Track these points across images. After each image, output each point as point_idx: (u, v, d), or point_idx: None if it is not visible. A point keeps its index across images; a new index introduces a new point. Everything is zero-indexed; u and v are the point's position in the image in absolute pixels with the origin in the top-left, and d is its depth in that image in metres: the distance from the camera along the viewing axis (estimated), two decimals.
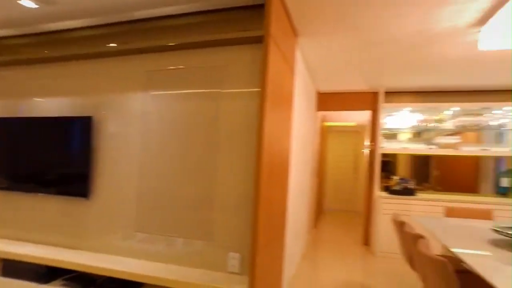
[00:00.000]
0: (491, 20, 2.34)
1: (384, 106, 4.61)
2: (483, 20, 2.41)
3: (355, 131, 8.12)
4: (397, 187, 4.50)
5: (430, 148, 4.49)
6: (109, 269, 2.15)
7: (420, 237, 2.19)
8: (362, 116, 6.00)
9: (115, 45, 2.44)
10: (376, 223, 4.48)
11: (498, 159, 5.04)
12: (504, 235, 2.26)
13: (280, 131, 2.32)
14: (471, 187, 5.37)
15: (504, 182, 4.48)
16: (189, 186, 2.17)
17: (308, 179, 4.53)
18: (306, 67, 3.82)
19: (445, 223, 2.99)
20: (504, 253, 2.02)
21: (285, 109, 2.52)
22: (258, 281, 1.84)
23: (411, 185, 4.49)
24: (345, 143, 8.24)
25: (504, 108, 4.39)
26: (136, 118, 2.40)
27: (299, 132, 3.55)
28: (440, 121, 4.56)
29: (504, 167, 4.86)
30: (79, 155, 2.56)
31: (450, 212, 3.40)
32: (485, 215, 3.36)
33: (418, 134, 5.22)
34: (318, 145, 5.94)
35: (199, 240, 2.10)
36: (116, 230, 2.37)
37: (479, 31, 2.60)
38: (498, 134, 4.90)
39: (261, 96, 1.89)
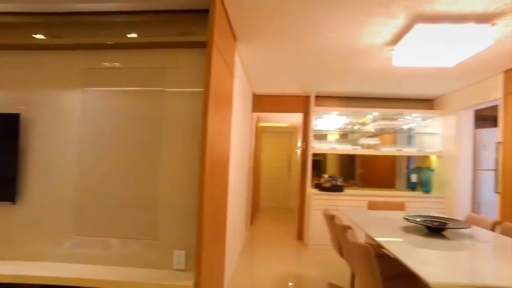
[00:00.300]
0: (401, 42, 2.74)
1: (314, 109, 4.99)
2: (395, 40, 2.81)
3: (288, 132, 8.56)
4: (327, 184, 4.90)
5: (355, 149, 4.99)
6: (39, 277, 2.05)
7: (348, 227, 2.48)
8: (294, 118, 6.38)
9: (43, 37, 2.31)
10: (308, 218, 4.83)
11: (409, 159, 5.79)
12: (412, 222, 2.66)
13: (221, 131, 2.43)
14: (388, 183, 6.08)
15: (413, 178, 5.17)
16: (132, 186, 2.16)
17: (245, 178, 4.71)
18: (244, 70, 3.98)
19: (368, 215, 3.38)
20: (414, 237, 2.40)
21: (225, 110, 2.63)
22: (203, 276, 1.92)
23: (339, 182, 4.93)
24: (279, 143, 8.64)
25: (413, 115, 5.07)
26: (72, 117, 2.30)
27: (237, 132, 3.70)
28: (363, 124, 5.09)
29: (413, 166, 5.59)
30: (4, 156, 2.37)
31: (372, 206, 3.84)
32: (399, 206, 3.86)
33: (345, 135, 5.74)
34: (253, 145, 6.16)
35: (143, 240, 2.11)
36: (50, 234, 2.24)
37: (392, 50, 3.01)
38: (409, 137, 5.63)
39: (205, 98, 1.98)
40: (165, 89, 2.25)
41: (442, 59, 2.89)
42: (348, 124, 5.10)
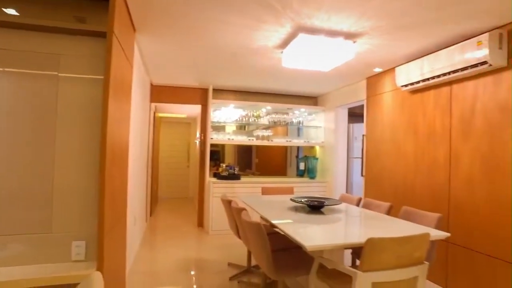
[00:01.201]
0: (288, 47, 3.17)
1: (212, 102, 5.23)
2: (283, 45, 3.23)
3: (186, 123, 8.63)
4: (225, 173, 5.22)
5: (250, 139, 5.41)
6: None
7: (243, 209, 2.80)
8: (193, 109, 6.52)
9: None
10: (208, 205, 5.08)
11: (298, 149, 6.53)
12: (298, 203, 3.14)
13: (120, 120, 2.47)
14: (281, 171, 6.76)
15: (301, 166, 5.88)
16: (23, 177, 2.05)
17: (143, 168, 4.69)
18: (142, 60, 3.96)
19: (261, 199, 3.79)
20: (298, 215, 2.85)
21: (124, 99, 2.66)
22: (106, 265, 1.98)
23: (236, 171, 5.29)
24: (177, 134, 8.65)
25: (301, 110, 5.74)
26: None
27: (136, 122, 3.69)
28: (257, 117, 5.54)
29: (301, 155, 6.33)
30: None
31: (265, 191, 4.29)
32: (289, 191, 4.40)
33: (242, 127, 6.15)
34: (151, 135, 6.10)
35: (36, 234, 2.03)
36: None
37: (282, 52, 3.43)
38: (298, 129, 6.35)
39: (105, 86, 2.01)
40: (59, 74, 2.18)
41: (320, 64, 3.42)
42: (244, 116, 5.48)
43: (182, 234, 5.04)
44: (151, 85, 5.27)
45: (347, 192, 5.46)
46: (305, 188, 5.35)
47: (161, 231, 5.29)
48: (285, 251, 2.76)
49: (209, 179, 5.20)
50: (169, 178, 8.54)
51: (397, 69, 3.75)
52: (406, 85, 3.64)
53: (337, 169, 5.36)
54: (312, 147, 6.01)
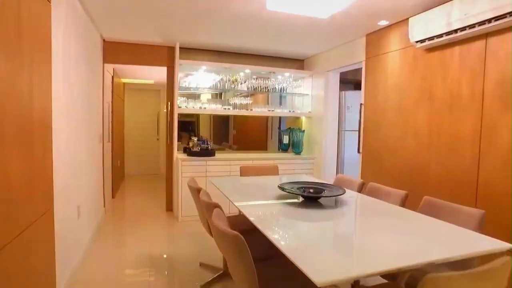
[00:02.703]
0: None
1: (180, 62, 4.27)
2: None
3: (155, 90, 7.60)
4: (196, 149, 4.38)
5: (226, 109, 4.55)
6: None
7: (215, 206, 2.01)
8: (160, 73, 5.52)
9: None
10: (177, 187, 4.27)
11: (281, 120, 5.72)
12: (288, 192, 2.36)
13: (21, 83, 1.57)
14: (261, 145, 5.92)
15: (285, 139, 5.11)
16: None
17: (96, 144, 3.77)
18: (84, 7, 2.96)
19: (240, 183, 3.01)
20: (289, 209, 2.08)
21: (35, 55, 1.74)
22: None
23: (210, 145, 4.46)
24: (145, 103, 7.62)
25: (285, 74, 4.88)
26: None
27: (74, 88, 2.75)
28: (234, 81, 4.65)
29: (284, 127, 5.55)
30: None
31: (245, 171, 3.50)
32: (273, 171, 3.64)
33: (217, 95, 5.24)
34: (111, 105, 5.11)
35: None
36: None
37: None
38: (280, 98, 5.50)
39: None
40: None
41: (316, 8, 2.56)
42: (219, 81, 4.58)
43: (147, 221, 4.24)
44: (104, 41, 4.23)
45: (338, 171, 4.76)
46: (290, 165, 4.61)
47: (123, 217, 4.46)
48: (267, 260, 2.02)
49: (177, 155, 4.35)
50: (138, 152, 7.59)
51: (411, 19, 2.93)
52: (422, 41, 2.85)
53: (326, 143, 4.63)
54: (297, 118, 5.22)
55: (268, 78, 4.79)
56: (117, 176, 5.92)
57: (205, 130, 6.11)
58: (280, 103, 5.59)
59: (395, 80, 3.32)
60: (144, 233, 3.81)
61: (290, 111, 4.88)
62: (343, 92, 4.72)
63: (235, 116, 5.28)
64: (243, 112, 4.63)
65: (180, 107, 4.33)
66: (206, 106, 4.45)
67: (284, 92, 4.93)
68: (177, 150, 4.45)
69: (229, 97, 4.85)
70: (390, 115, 3.37)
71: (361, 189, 2.88)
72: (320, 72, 4.70)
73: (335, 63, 4.38)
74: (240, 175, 3.48)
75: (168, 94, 4.58)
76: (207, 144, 4.43)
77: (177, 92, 4.29)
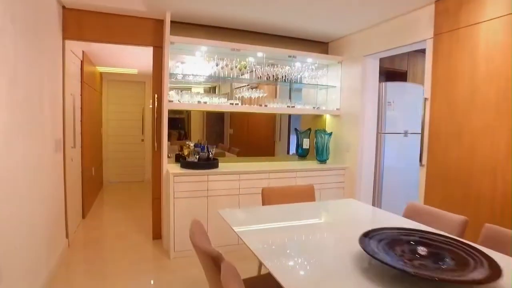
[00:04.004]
0: None
1: (172, 40, 3.06)
2: None
3: (140, 82, 6.32)
4: (193, 158, 3.19)
5: (234, 104, 3.36)
6: None
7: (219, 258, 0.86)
8: (146, 60, 4.30)
9: None
10: (168, 210, 3.08)
11: (290, 119, 4.55)
12: (386, 264, 1.19)
13: None
14: (267, 149, 4.70)
15: (305, 143, 3.96)
16: None
17: (49, 154, 2.55)
18: None
19: (270, 223, 1.83)
20: None
21: None
22: None
23: (212, 152, 3.27)
24: (128, 97, 6.34)
25: (308, 60, 3.72)
26: None
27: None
28: (242, 69, 3.46)
29: (298, 127, 4.40)
30: None
31: (269, 196, 2.34)
32: (308, 194, 2.49)
33: (211, 88, 4.03)
34: (80, 98, 3.87)
35: None
36: None
37: None
38: (290, 90, 4.30)
39: None
40: None
41: None
42: (223, 67, 3.36)
43: (126, 258, 3.04)
44: (63, 8, 2.98)
45: (375, 185, 3.64)
46: (315, 179, 3.45)
47: (91, 252, 3.24)
48: None
49: (168, 167, 3.14)
50: (119, 156, 6.32)
51: None
52: None
53: (362, 149, 3.50)
54: (317, 117, 4.07)
55: (284, 65, 3.60)
56: (92, 188, 4.67)
57: (196, 128, 4.83)
58: (290, 97, 4.40)
59: (493, 65, 2.20)
60: (118, 281, 2.61)
61: (315, 107, 3.73)
62: (382, 84, 3.59)
63: (230, 113, 4.08)
64: (255, 109, 3.45)
65: (172, 101, 3.12)
66: (207, 101, 3.25)
67: (304, 83, 3.76)
68: (168, 156, 3.24)
69: (225, 92, 3.66)
70: (483, 117, 2.26)
71: (463, 231, 1.77)
72: (354, 57, 3.56)
73: (378, 45, 3.24)
74: (263, 203, 2.33)
75: (155, 84, 3.35)
76: (207, 151, 3.24)
77: (167, 80, 3.08)
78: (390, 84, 3.59)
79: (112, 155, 6.23)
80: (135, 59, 4.70)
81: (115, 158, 6.27)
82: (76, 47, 3.58)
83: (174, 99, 3.16)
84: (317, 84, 3.82)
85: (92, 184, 4.65)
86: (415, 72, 4.14)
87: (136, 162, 6.44)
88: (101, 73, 5.75)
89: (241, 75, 3.46)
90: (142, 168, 6.47)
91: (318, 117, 4.09)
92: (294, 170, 3.38)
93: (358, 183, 3.53)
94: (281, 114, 4.17)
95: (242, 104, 3.42)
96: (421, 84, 3.07)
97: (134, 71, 5.53)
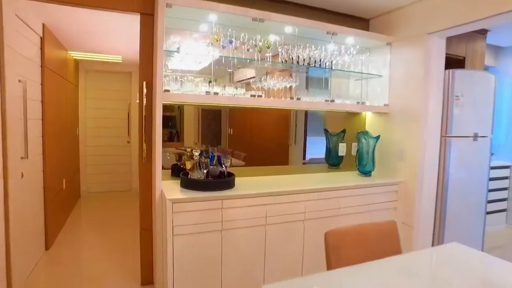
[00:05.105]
0: None
1: (169, 2, 2.03)
2: None
3: (125, 73, 5.23)
4: (199, 174, 2.17)
5: (256, 96, 2.34)
6: None
7: None
8: (134, 45, 3.24)
9: None
10: (164, 248, 2.06)
11: (307, 116, 3.56)
12: None
13: None
14: (279, 155, 3.66)
15: (341, 149, 2.99)
16: None
17: None
18: None
19: None
20: None
21: None
22: None
23: (226, 165, 2.26)
24: (112, 92, 5.25)
25: (348, 41, 2.73)
26: None
27: None
28: (265, 48, 2.45)
29: (316, 126, 3.43)
30: None
31: (338, 247, 1.36)
32: (389, 236, 1.52)
33: (230, 73, 2.99)
34: (42, 90, 2.80)
35: None
36: None
37: None
38: (307, 80, 3.29)
39: None
40: None
41: None
42: (240, 43, 2.34)
43: None
44: None
45: (438, 207, 2.70)
46: (362, 199, 2.50)
47: None
48: None
49: (163, 187, 2.12)
50: (100, 161, 5.21)
51: None
52: None
53: (423, 158, 2.57)
54: (352, 115, 3.12)
55: (314, 47, 2.60)
56: (62, 204, 3.59)
57: (191, 128, 3.77)
58: (306, 87, 3.37)
59: None
60: None
61: (359, 102, 2.75)
62: (448, 72, 2.65)
63: (231, 109, 3.06)
64: (284, 103, 2.45)
65: (168, 90, 2.09)
66: (219, 91, 2.23)
67: (345, 70, 2.78)
68: (162, 167, 2.21)
69: (222, 82, 2.64)
70: None
71: None
72: (411, 37, 2.61)
73: (448, 19, 2.30)
74: (329, 259, 1.34)
75: (143, 67, 2.31)
76: (221, 164, 2.22)
77: (161, 61, 2.05)
78: (459, 73, 2.65)
79: (92, 160, 5.12)
80: (118, 41, 3.63)
81: (96, 164, 5.16)
82: (31, 16, 2.51)
83: (172, 89, 2.13)
84: (362, 73, 2.84)
85: (62, 200, 3.57)
86: (474, 58, 3.23)
87: (121, 168, 5.35)
88: (76, 61, 4.64)
89: (265, 50, 2.42)
90: (129, 175, 5.38)
91: (352, 116, 3.13)
92: (339, 188, 2.40)
93: (417, 203, 2.59)
94: (297, 111, 3.18)
95: (266, 97, 2.42)
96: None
97: (118, 58, 4.44)
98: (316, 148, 3.53)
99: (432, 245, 2.72)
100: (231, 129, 3.97)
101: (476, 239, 2.91)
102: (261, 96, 2.33)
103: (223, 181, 2.15)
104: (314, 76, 2.95)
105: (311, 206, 2.31)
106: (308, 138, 3.57)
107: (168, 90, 2.08)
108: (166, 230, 1.93)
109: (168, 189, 2.09)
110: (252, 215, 2.12)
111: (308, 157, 3.46)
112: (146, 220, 2.36)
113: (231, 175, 2.23)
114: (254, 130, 3.52)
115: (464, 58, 3.18)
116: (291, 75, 2.68)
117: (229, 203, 2.04)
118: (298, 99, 2.44)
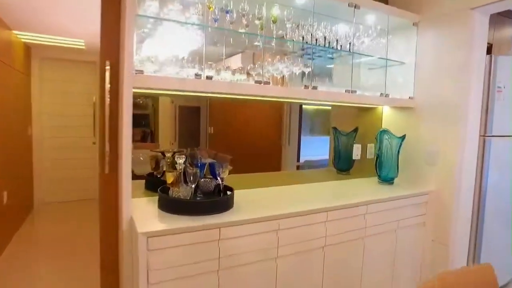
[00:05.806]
0: None
1: None
2: None
3: (89, 63, 4.44)
4: (184, 192, 1.54)
5: (262, 84, 1.73)
6: None
7: None
8: (98, 24, 2.53)
9: None
10: None
11: (301, 111, 3.00)
12: None
13: None
14: (270, 158, 3.04)
15: (356, 152, 2.45)
16: None
17: None
18: None
19: None
20: None
21: None
22: None
23: (221, 175, 1.64)
24: (74, 84, 4.45)
25: (369, 21, 2.19)
26: None
27: None
28: (272, 21, 1.85)
29: (309, 124, 2.91)
30: None
31: None
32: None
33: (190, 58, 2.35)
34: None
35: None
36: None
37: None
38: (309, 69, 2.72)
39: None
40: None
41: None
42: (232, 23, 1.74)
43: None
44: None
45: (475, 222, 2.21)
46: (387, 215, 1.96)
47: None
48: None
49: (136, 214, 1.47)
50: (60, 165, 4.40)
51: None
52: None
53: (461, 163, 2.07)
54: (365, 111, 2.59)
55: (324, 25, 2.03)
56: (21, 210, 2.82)
57: (167, 126, 3.09)
58: (310, 76, 2.80)
59: None
60: None
61: (382, 94, 2.20)
62: (489, 57, 2.17)
63: (211, 103, 2.43)
64: (298, 93, 1.86)
65: (141, 71, 1.44)
66: (213, 75, 1.61)
67: (365, 54, 2.23)
68: (133, 178, 1.55)
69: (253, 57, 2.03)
70: None
71: None
72: (446, 14, 2.11)
73: None
74: None
75: (105, 40, 1.64)
76: (216, 174, 1.59)
77: (131, 32, 1.40)
78: (502, 60, 2.17)
79: (49, 164, 4.30)
80: (78, 20, 2.90)
81: (54, 169, 4.34)
82: None
83: (149, 70, 1.49)
84: (388, 59, 2.29)
85: (24, 203, 2.80)
86: (501, 44, 2.79)
87: (86, 173, 4.55)
88: (27, 45, 3.82)
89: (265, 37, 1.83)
90: (94, 181, 4.60)
91: (364, 111, 2.60)
92: (368, 202, 1.84)
93: (453, 216, 2.09)
94: (291, 106, 2.62)
95: (274, 84, 1.81)
96: None
97: (79, 43, 3.67)
98: (311, 148, 3.01)
99: (467, 264, 2.24)
100: (211, 128, 3.30)
101: None
102: (268, 83, 1.72)
103: (219, 201, 1.52)
104: (328, 62, 2.38)
105: (333, 228, 1.74)
106: (303, 139, 3.02)
107: (141, 71, 1.43)
108: (138, 276, 1.29)
109: (141, 213, 1.44)
110: (260, 245, 1.52)
111: (302, 159, 2.92)
112: (109, 258, 1.68)
113: (231, 193, 1.61)
114: (238, 129, 2.87)
115: (492, 45, 2.73)
116: (300, 59, 2.09)
117: (229, 231, 1.43)
118: (315, 88, 1.85)
